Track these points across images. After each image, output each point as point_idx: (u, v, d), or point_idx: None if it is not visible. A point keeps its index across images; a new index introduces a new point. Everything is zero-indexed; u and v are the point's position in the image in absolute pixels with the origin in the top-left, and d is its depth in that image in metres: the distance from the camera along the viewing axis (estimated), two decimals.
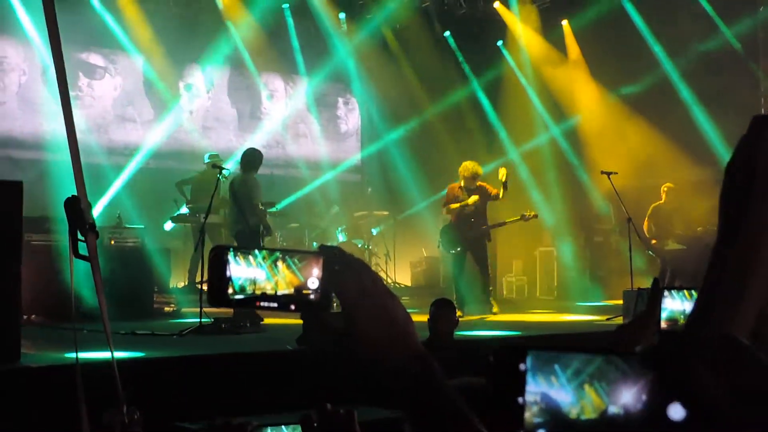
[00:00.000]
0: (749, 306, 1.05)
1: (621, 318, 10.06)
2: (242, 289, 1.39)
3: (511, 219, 12.21)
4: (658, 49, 15.42)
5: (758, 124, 1.11)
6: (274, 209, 13.28)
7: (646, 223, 12.94)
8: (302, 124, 18.57)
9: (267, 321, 9.54)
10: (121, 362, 6.28)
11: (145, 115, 16.54)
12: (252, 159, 10.54)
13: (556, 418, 0.85)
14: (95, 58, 16.05)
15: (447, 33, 18.20)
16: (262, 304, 1.39)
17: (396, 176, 17.44)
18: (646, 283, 12.11)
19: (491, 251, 12.66)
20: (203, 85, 17.36)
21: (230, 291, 1.38)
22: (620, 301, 11.22)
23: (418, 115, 17.84)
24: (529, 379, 0.86)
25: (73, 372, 2.85)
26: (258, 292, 1.38)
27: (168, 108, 16.53)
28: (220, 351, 7.22)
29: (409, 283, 16.60)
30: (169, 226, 14.31)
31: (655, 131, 15.06)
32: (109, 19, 15.31)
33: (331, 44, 17.48)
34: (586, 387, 0.84)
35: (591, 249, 16.06)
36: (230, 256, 1.38)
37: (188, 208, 13.49)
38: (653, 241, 13.02)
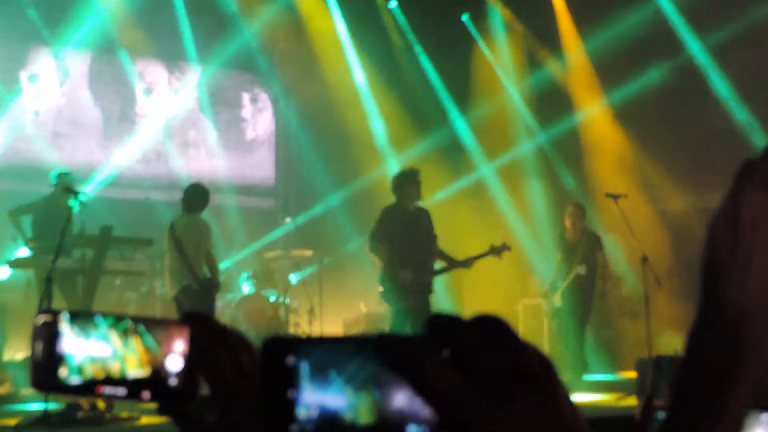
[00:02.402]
0: (735, 411, 1.12)
1: (635, 398, 10.02)
2: (79, 370, 1.39)
3: (475, 255, 12.09)
4: (682, 26, 15.45)
5: (744, 172, 1.19)
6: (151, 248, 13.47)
7: None
8: (193, 129, 18.53)
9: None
10: None
11: None
12: (199, 197, 11.58)
13: (331, 423, 1.02)
14: None
15: (393, 4, 18.21)
16: (105, 390, 1.39)
17: (324, 202, 17.39)
18: (673, 345, 12.35)
19: (456, 302, 12.65)
20: (55, 76, 17.26)
21: (63, 372, 1.39)
22: (634, 374, 10.91)
23: (356, 117, 17.78)
24: (305, 385, 1.03)
25: None
26: (100, 375, 1.39)
27: (3, 107, 16.38)
28: None
29: None
30: (5, 272, 14.11)
31: (677, 136, 15.15)
32: None
33: (233, 22, 17.55)
34: (363, 391, 1.00)
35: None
36: (64, 326, 1.39)
37: (29, 247, 13.10)
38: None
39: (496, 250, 12.04)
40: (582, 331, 13.22)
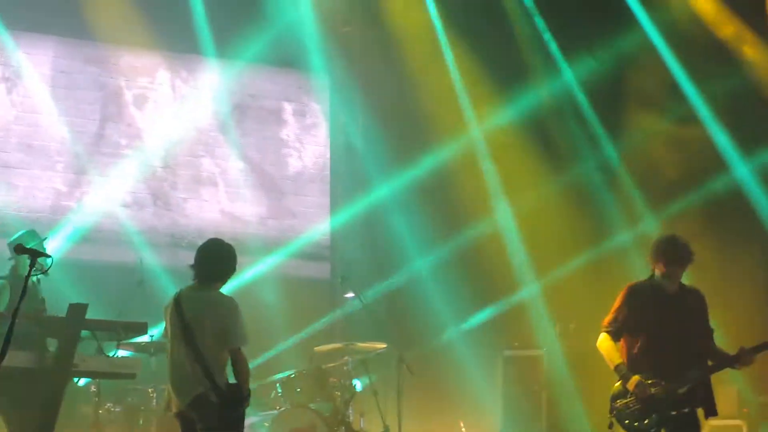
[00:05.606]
0: None
1: None
2: None
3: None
4: None
5: None
6: (150, 338, 12.50)
7: None
8: (208, 157, 16.85)
9: None
10: None
11: None
12: (219, 261, 9.71)
13: None
14: None
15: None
16: None
17: (407, 268, 16.20)
18: None
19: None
20: None
21: None
22: None
23: (456, 142, 16.52)
24: None
25: None
26: None
27: None
28: None
29: None
30: None
31: None
32: None
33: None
34: None
35: None
36: None
37: None
38: None
39: None
40: None
